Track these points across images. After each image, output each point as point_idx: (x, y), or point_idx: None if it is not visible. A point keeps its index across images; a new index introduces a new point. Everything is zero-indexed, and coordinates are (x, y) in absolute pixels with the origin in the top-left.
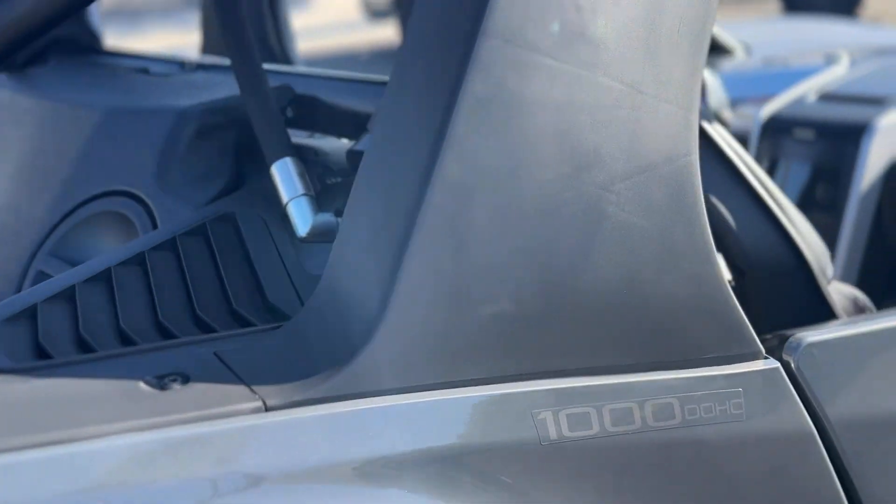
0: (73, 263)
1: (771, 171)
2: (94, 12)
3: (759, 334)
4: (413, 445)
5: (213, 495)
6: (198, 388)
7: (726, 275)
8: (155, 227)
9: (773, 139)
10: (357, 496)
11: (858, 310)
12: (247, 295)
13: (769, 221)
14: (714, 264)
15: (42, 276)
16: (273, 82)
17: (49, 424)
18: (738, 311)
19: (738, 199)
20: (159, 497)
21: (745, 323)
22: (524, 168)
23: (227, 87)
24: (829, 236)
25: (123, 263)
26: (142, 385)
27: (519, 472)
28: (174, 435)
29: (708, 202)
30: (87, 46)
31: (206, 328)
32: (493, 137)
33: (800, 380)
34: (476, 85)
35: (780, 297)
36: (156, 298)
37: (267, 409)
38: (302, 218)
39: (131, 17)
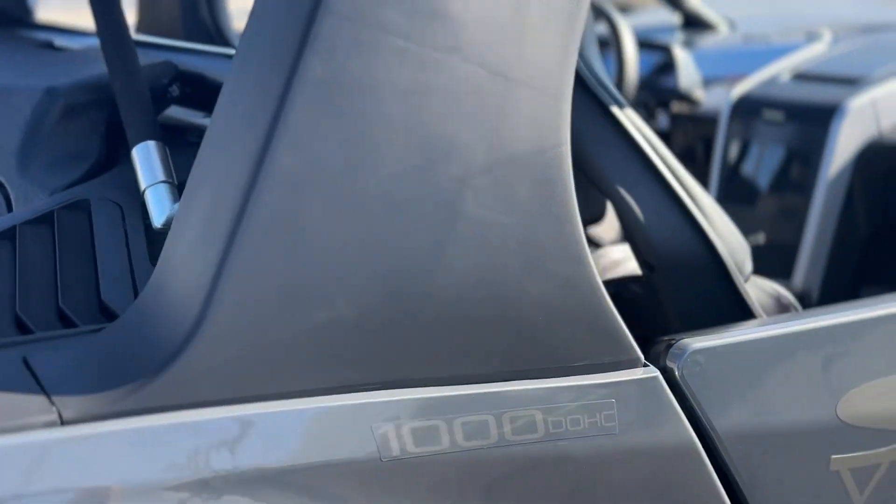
0: None
1: (743, 153)
2: None
3: (667, 335)
4: (229, 464)
5: None
6: None
7: (637, 271)
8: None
9: (744, 120)
10: None
11: (782, 308)
12: (81, 292)
13: (680, 214)
14: (586, 265)
15: None
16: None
17: None
18: (614, 315)
19: (647, 191)
20: None
21: (622, 328)
22: (368, 158)
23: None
24: (800, 220)
25: None
26: None
27: (355, 491)
28: None
29: (615, 194)
30: (16, 19)
31: (24, 329)
32: (333, 124)
33: (684, 389)
34: (315, 67)
35: (692, 294)
36: None
37: (63, 422)
38: (159, 207)
39: None
